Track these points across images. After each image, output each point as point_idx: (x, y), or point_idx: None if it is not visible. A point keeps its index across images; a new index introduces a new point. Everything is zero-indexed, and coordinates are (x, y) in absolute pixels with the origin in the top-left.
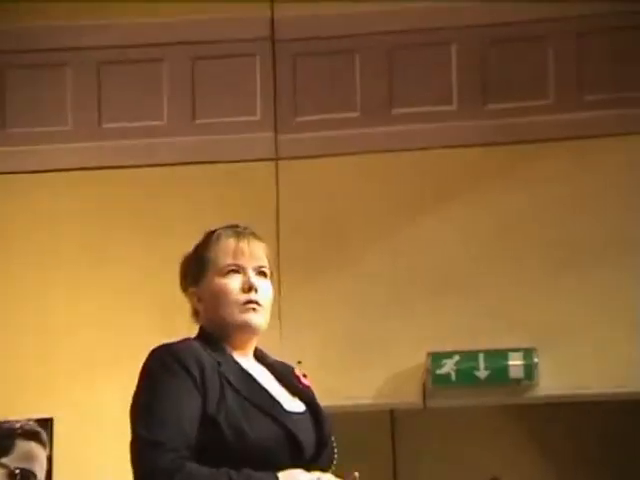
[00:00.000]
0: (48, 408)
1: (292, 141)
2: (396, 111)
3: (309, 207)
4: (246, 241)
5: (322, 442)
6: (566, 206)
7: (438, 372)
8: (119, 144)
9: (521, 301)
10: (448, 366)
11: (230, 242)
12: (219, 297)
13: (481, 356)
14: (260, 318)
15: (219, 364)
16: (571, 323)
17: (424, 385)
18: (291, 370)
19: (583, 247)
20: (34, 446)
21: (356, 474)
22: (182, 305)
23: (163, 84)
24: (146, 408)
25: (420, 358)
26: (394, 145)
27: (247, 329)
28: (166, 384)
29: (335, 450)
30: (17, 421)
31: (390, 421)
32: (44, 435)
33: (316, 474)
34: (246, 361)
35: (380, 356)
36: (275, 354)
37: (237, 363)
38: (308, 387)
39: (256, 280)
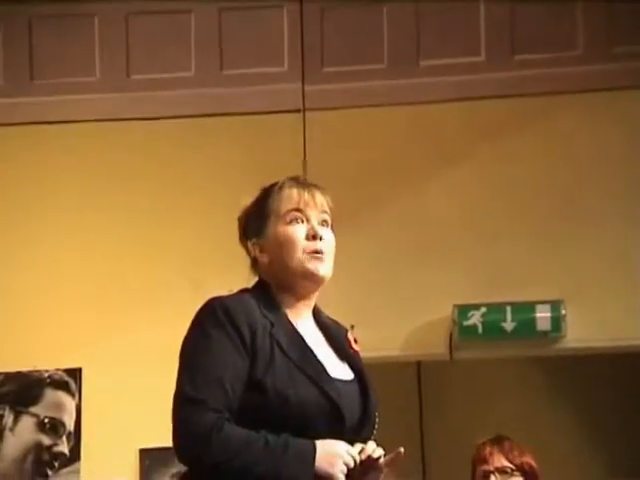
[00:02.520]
0: (77, 358)
1: (319, 92)
2: (424, 63)
3: (336, 158)
4: (309, 191)
5: (366, 413)
6: (593, 157)
7: (465, 324)
8: (147, 95)
9: (548, 253)
10: (475, 318)
11: (293, 192)
12: (284, 245)
13: (508, 308)
14: (326, 267)
15: (272, 325)
16: (598, 275)
17: (451, 337)
18: (344, 333)
19: (609, 200)
20: (63, 395)
21: (401, 449)
22: (209, 257)
23: (191, 35)
24: (192, 363)
25: (447, 310)
26: (421, 97)
27: (313, 278)
28: (215, 340)
29: (377, 422)
30: (46, 371)
31: (417, 373)
32: (73, 385)
33: (357, 446)
34: (301, 320)
35: (407, 308)
36: None
37: (290, 324)
38: (358, 354)
39: (320, 229)
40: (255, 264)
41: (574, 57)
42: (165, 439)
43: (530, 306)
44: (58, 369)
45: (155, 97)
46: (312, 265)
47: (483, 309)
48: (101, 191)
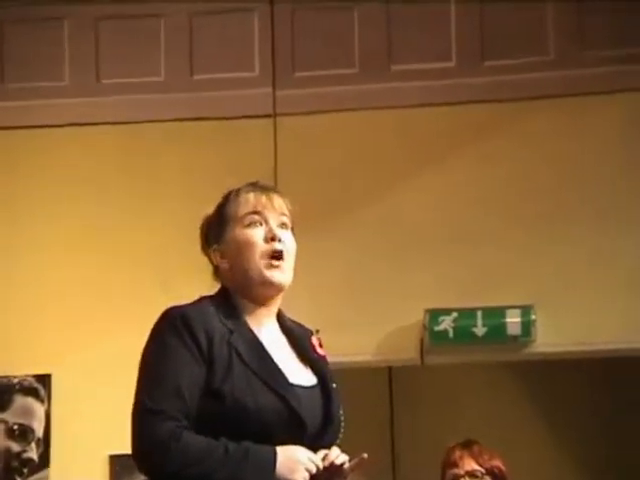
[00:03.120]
0: (46, 364)
1: (290, 97)
2: (395, 67)
3: (307, 163)
4: (266, 194)
5: (329, 418)
6: (564, 162)
7: (436, 329)
8: (116, 100)
9: (519, 258)
10: (446, 323)
11: (250, 195)
12: (243, 249)
13: (479, 313)
14: (285, 275)
15: (231, 332)
16: (569, 280)
17: (422, 342)
18: (308, 335)
19: (580, 203)
20: (32, 402)
21: (365, 455)
22: (181, 262)
23: (161, 40)
24: (149, 372)
25: (418, 315)
26: (393, 102)
27: (271, 286)
28: (172, 349)
29: (342, 426)
30: (15, 377)
31: (388, 377)
32: (42, 391)
33: (320, 453)
34: (263, 326)
35: (377, 313)
36: None
37: (250, 331)
38: (323, 357)
39: (278, 231)
40: (217, 271)
41: (546, 62)
42: None
43: (500, 311)
44: (27, 375)
45: (125, 101)
46: (269, 273)
47: (454, 314)
48: (71, 197)
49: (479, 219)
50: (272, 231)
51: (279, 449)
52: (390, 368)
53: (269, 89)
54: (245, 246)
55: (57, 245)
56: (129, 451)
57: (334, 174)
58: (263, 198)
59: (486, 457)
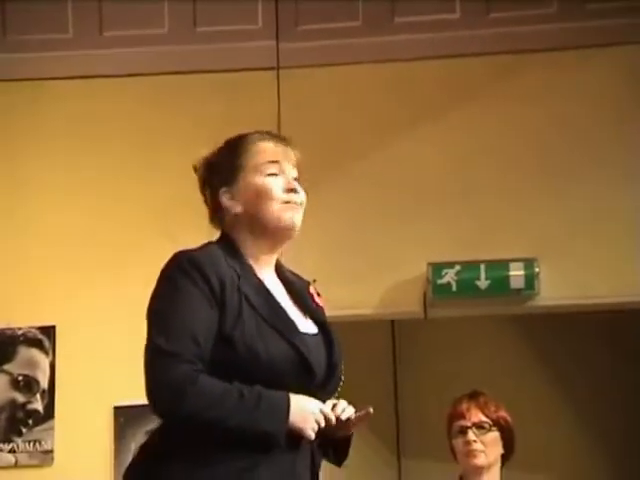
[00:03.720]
0: (51, 316)
1: (293, 50)
2: (399, 20)
3: (311, 116)
4: (283, 144)
5: (331, 367)
6: (567, 115)
7: (439, 282)
8: (119, 52)
9: (522, 211)
10: (449, 276)
11: (269, 144)
12: (261, 195)
13: (482, 266)
14: (300, 218)
15: (239, 277)
16: (572, 233)
17: (425, 295)
18: (306, 286)
19: (583, 156)
20: (36, 353)
21: (370, 409)
22: (185, 211)
23: None
24: (163, 315)
25: (421, 268)
26: (396, 54)
27: (288, 227)
28: (185, 293)
29: (342, 378)
30: (19, 328)
31: (391, 331)
32: (47, 342)
33: (329, 404)
34: (264, 274)
35: (381, 266)
36: None
37: (256, 277)
38: (321, 308)
39: (295, 183)
40: (217, 214)
41: (548, 15)
42: (139, 396)
43: (504, 264)
44: (32, 327)
45: (128, 54)
46: (289, 215)
47: (457, 267)
48: (73, 149)
49: (482, 172)
50: (291, 183)
51: (292, 397)
52: (393, 322)
53: (272, 42)
54: (265, 194)
55: (61, 196)
56: (133, 402)
57: (337, 127)
58: (281, 148)
59: (493, 408)
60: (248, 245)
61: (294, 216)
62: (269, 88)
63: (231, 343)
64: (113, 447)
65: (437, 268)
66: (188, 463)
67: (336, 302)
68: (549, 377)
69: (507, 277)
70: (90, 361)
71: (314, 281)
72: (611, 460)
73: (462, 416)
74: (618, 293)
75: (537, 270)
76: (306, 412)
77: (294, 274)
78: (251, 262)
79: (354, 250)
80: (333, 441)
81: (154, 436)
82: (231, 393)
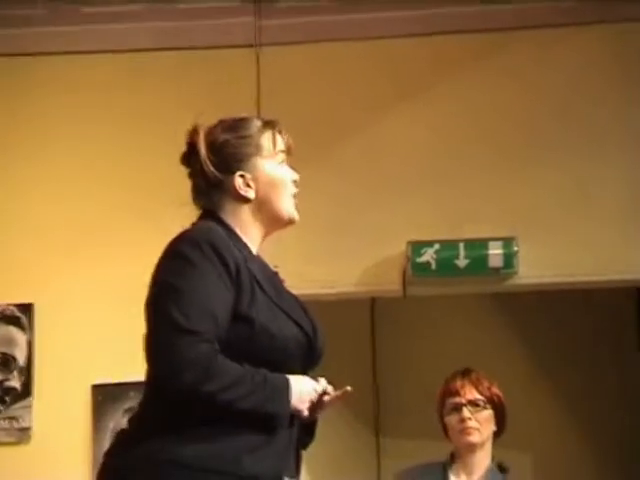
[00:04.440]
0: (29, 293)
1: (273, 27)
2: None
3: (290, 94)
4: (284, 134)
5: (317, 349)
6: (549, 93)
7: (418, 260)
8: (97, 28)
9: (501, 191)
10: (428, 255)
11: (282, 134)
12: (278, 185)
13: (461, 245)
14: None
15: (245, 260)
16: (551, 212)
17: (404, 273)
18: (276, 273)
19: (565, 135)
20: (14, 331)
21: (348, 388)
22: (166, 192)
23: None
24: (180, 292)
25: (400, 247)
26: (377, 32)
27: (292, 221)
28: (202, 270)
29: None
30: None
31: (370, 309)
32: (25, 320)
33: (321, 382)
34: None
35: (360, 245)
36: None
37: (258, 260)
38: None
39: None
40: (215, 193)
41: None
42: (118, 375)
43: (483, 243)
44: (9, 304)
45: (106, 30)
46: (294, 211)
47: (437, 246)
48: (56, 128)
49: (463, 152)
50: (295, 174)
51: (291, 378)
52: (373, 299)
53: (252, 19)
54: (282, 184)
55: (40, 174)
56: (111, 380)
57: (317, 106)
58: (287, 138)
59: (486, 386)
60: (247, 229)
61: (296, 212)
62: (249, 65)
63: (249, 323)
64: (91, 425)
65: (417, 247)
66: (199, 437)
67: (316, 280)
68: (528, 354)
69: (486, 256)
70: (68, 339)
71: (275, 267)
72: (593, 436)
73: (456, 393)
74: (596, 271)
75: (516, 249)
76: (304, 393)
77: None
78: (248, 245)
79: (334, 229)
80: (301, 425)
81: (151, 409)
82: (245, 376)
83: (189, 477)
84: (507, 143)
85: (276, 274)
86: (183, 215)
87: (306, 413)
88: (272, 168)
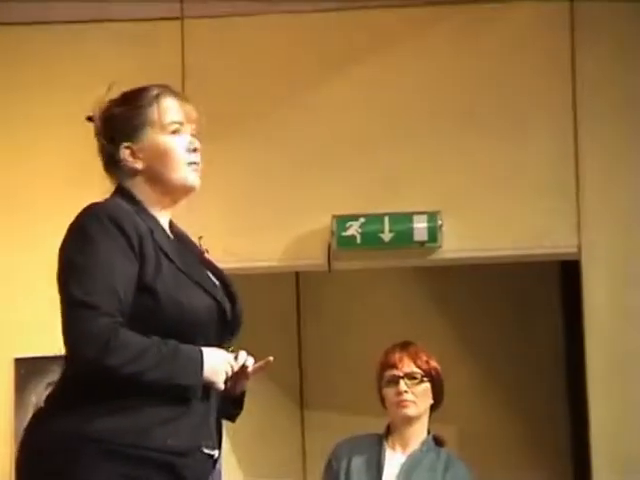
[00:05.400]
0: None
1: (198, 0)
2: None
3: (216, 67)
4: (186, 102)
5: (236, 319)
6: (471, 70)
7: (343, 234)
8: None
9: (426, 165)
10: (353, 228)
11: (173, 102)
12: (166, 155)
13: (386, 219)
14: (199, 179)
15: (151, 231)
16: (475, 186)
17: (329, 247)
18: (197, 243)
19: (488, 111)
20: None
21: (270, 358)
22: (88, 165)
23: None
24: (80, 268)
25: (325, 221)
26: (304, 6)
27: (191, 189)
28: (102, 245)
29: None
30: None
31: (295, 283)
32: None
33: (241, 355)
34: (166, 228)
35: (285, 219)
36: (178, 218)
37: (164, 231)
38: (212, 262)
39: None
40: (114, 166)
41: None
42: (40, 348)
43: (408, 217)
44: None
45: (31, 3)
46: (192, 177)
47: (361, 219)
48: None
49: (387, 126)
50: (194, 143)
51: (204, 350)
52: (297, 274)
53: None
54: (169, 153)
55: None
56: (34, 354)
57: (242, 79)
58: (186, 107)
59: (424, 359)
60: (150, 200)
61: (196, 179)
62: (174, 39)
63: (154, 294)
64: (13, 399)
65: (341, 220)
66: (111, 411)
67: (240, 254)
68: (453, 328)
69: (411, 230)
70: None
71: (200, 238)
72: (516, 405)
73: (394, 366)
74: (519, 246)
75: (440, 223)
76: (218, 364)
77: (183, 231)
78: (154, 215)
79: (258, 202)
80: (227, 397)
81: (65, 385)
82: (151, 348)
83: (101, 451)
84: (433, 119)
85: (195, 246)
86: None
87: (221, 385)
88: (159, 138)
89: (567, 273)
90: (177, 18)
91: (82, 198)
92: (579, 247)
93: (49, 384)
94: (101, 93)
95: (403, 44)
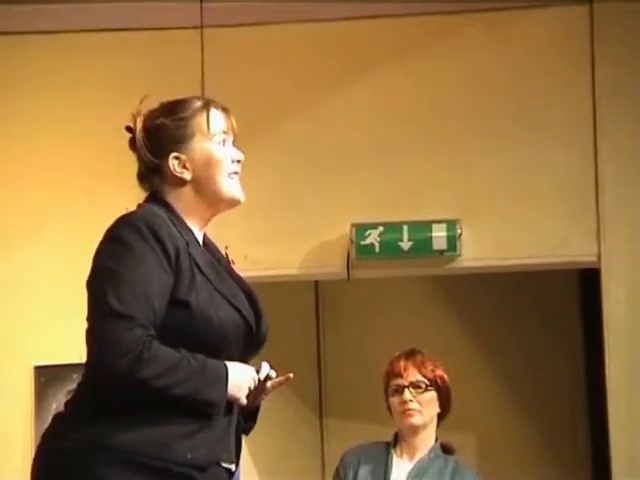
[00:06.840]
0: None
1: (218, 9)
2: None
3: (235, 76)
4: (230, 115)
5: (260, 337)
6: (489, 77)
7: (362, 243)
8: (43, 8)
9: (445, 173)
10: (372, 237)
11: (220, 113)
12: (213, 165)
13: (405, 227)
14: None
15: (187, 244)
16: (495, 194)
17: (348, 256)
18: (225, 254)
19: (506, 117)
20: None
21: (290, 375)
22: (109, 172)
23: None
24: (117, 277)
25: (344, 229)
26: (321, 15)
27: (236, 202)
28: (140, 255)
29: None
30: None
31: (314, 292)
32: None
33: (264, 369)
34: (200, 240)
35: (304, 227)
36: None
37: (199, 244)
38: (238, 274)
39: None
40: (153, 176)
41: None
42: (60, 356)
43: (426, 225)
44: None
45: (52, 11)
46: (236, 191)
47: (380, 228)
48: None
49: (406, 133)
50: (238, 153)
51: (229, 365)
52: (317, 282)
53: (196, 1)
54: (217, 163)
55: None
56: (54, 362)
57: (261, 88)
58: (230, 118)
59: (430, 367)
60: (190, 212)
61: (240, 192)
62: (193, 48)
63: (186, 309)
64: (33, 407)
65: (360, 229)
66: (134, 423)
67: (260, 262)
68: (472, 337)
69: (430, 238)
70: (11, 320)
71: (226, 248)
72: (536, 416)
73: (399, 375)
74: (538, 254)
75: (459, 231)
76: (242, 381)
77: (212, 241)
78: (191, 228)
79: (278, 211)
80: (242, 410)
81: (87, 392)
82: (181, 362)
83: (120, 462)
84: (453, 127)
85: (223, 257)
86: (129, 197)
87: (244, 401)
88: (208, 148)
89: (586, 281)
90: (197, 27)
91: (98, 210)
92: (599, 255)
93: (69, 392)
94: (135, 104)
95: (423, 51)
